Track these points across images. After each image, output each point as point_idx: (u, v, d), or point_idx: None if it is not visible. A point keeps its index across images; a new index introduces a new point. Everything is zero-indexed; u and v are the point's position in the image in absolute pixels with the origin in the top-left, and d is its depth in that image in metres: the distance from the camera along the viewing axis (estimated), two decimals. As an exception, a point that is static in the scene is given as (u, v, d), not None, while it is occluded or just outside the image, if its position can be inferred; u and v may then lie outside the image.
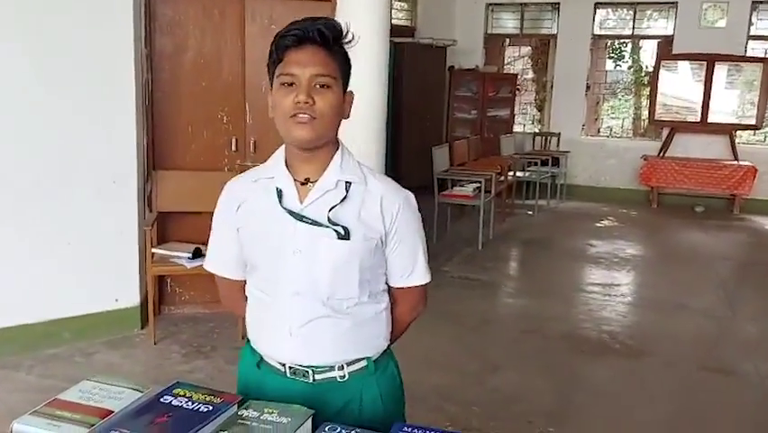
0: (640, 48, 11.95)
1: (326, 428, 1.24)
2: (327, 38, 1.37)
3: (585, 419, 3.18)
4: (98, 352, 3.63)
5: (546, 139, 9.38)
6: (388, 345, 1.57)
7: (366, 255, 1.43)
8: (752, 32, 8.63)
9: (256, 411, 1.25)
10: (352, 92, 1.45)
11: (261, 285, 1.50)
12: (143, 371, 3.48)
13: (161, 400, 1.28)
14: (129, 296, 3.85)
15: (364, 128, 4.07)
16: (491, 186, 6.29)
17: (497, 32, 9.90)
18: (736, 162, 8.49)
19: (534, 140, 9.58)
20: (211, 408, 1.26)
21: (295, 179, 1.43)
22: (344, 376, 1.47)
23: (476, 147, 7.77)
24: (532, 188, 8.10)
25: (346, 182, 1.42)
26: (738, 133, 8.85)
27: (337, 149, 1.46)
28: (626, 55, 12.33)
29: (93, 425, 1.19)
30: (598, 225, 7.66)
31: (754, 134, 9.32)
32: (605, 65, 10.75)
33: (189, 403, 1.27)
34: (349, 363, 1.47)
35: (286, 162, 1.45)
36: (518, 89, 10.17)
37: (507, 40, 10.58)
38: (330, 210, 1.39)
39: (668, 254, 6.65)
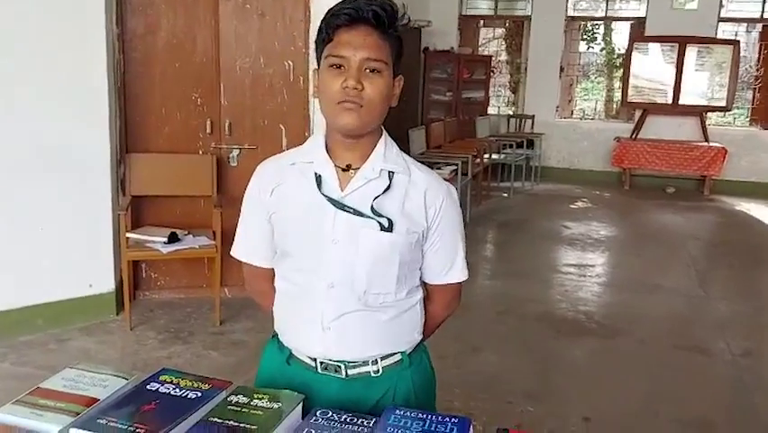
0: (612, 30, 12.03)
1: (318, 413, 1.23)
2: (382, 19, 1.28)
3: (563, 398, 3.22)
4: (73, 338, 3.57)
5: (521, 121, 9.41)
6: (422, 340, 1.51)
7: (407, 249, 1.36)
8: (722, 15, 8.73)
9: (246, 397, 1.23)
10: (401, 77, 1.37)
11: (294, 275, 1.42)
12: (120, 357, 3.43)
13: (148, 387, 1.25)
14: (103, 281, 3.79)
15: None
16: (468, 168, 6.30)
17: (471, 13, 9.86)
18: (706, 144, 8.61)
19: (508, 122, 9.61)
20: (200, 394, 1.23)
21: (336, 165, 1.36)
22: (378, 371, 1.41)
23: (452, 129, 7.77)
24: (507, 171, 8.13)
25: (389, 172, 1.36)
26: (708, 114, 8.98)
27: (380, 137, 1.39)
28: (599, 37, 12.41)
29: (78, 413, 1.16)
30: (573, 206, 7.73)
31: (724, 116, 9.46)
32: (578, 47, 10.80)
33: (177, 390, 1.24)
34: (383, 358, 1.42)
35: (326, 147, 1.38)
36: (493, 71, 10.17)
37: (482, 21, 10.56)
38: (374, 200, 1.33)
39: (641, 235, 6.74)
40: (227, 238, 3.75)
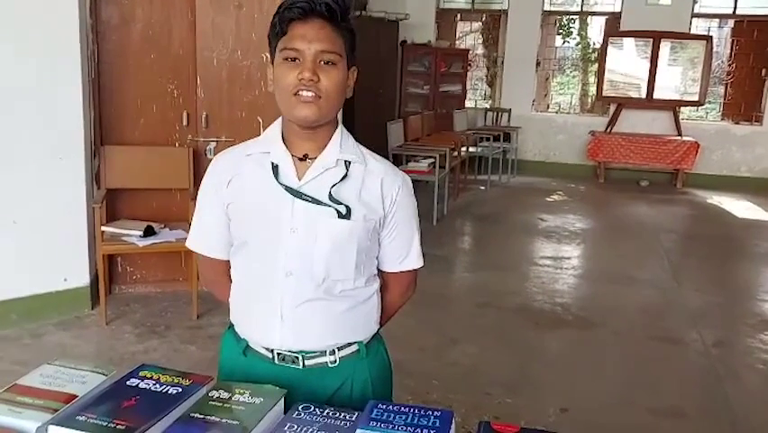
0: (588, 24, 12.12)
1: (300, 408, 1.23)
2: (335, 12, 1.30)
3: (540, 389, 3.25)
4: (48, 333, 3.52)
5: (497, 115, 9.45)
6: (378, 329, 1.53)
7: (364, 236, 1.39)
8: (696, 10, 8.84)
9: (227, 392, 1.22)
10: (356, 68, 1.39)
11: (251, 265, 1.43)
12: (96, 352, 3.39)
13: (128, 383, 1.24)
14: (78, 275, 3.74)
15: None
16: (446, 161, 6.32)
17: (448, 6, 9.87)
18: (679, 138, 8.73)
19: (485, 115, 9.65)
20: (180, 390, 1.22)
21: (292, 156, 1.38)
22: (335, 361, 1.42)
23: (430, 122, 7.78)
24: (484, 164, 8.17)
25: (346, 161, 1.38)
26: (681, 108, 9.10)
27: (336, 127, 1.41)
28: (574, 31, 12.49)
29: (56, 410, 1.15)
30: (549, 199, 7.79)
31: (697, 110, 9.60)
32: (554, 41, 10.86)
33: (157, 386, 1.23)
34: (340, 348, 1.43)
35: (282, 138, 1.39)
36: (470, 65, 10.19)
37: (459, 15, 10.57)
38: (331, 188, 1.35)
39: (615, 228, 6.82)
40: (204, 232, 3.75)
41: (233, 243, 1.46)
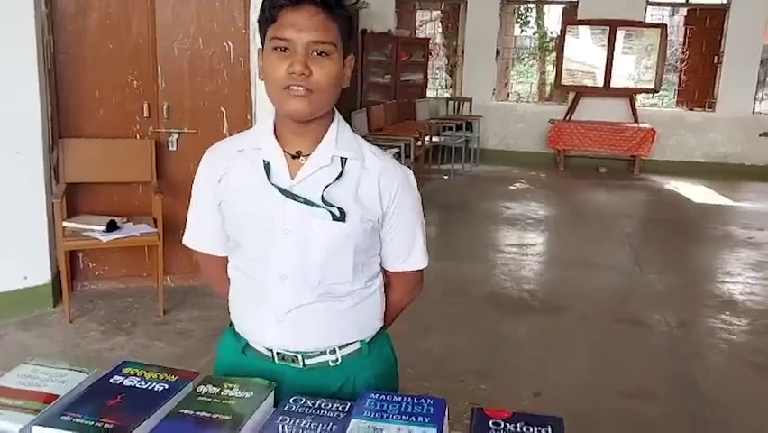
0: (545, 13, 12.25)
1: (291, 400, 1.21)
2: None
3: (513, 375, 3.28)
4: (9, 333, 3.40)
5: (459, 104, 9.49)
6: (383, 328, 1.47)
7: (362, 238, 1.32)
8: (650, -1, 9.01)
9: (215, 387, 1.20)
10: (353, 56, 1.31)
11: (245, 265, 1.37)
12: (61, 350, 3.29)
13: (111, 380, 1.20)
14: (39, 273, 3.62)
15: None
16: (411, 151, 6.32)
17: (408, -5, 9.85)
18: (636, 125, 8.90)
19: (447, 105, 9.68)
20: (167, 386, 1.19)
21: (285, 152, 1.30)
22: (337, 360, 1.37)
23: (392, 112, 7.77)
24: (447, 153, 8.20)
25: (341, 158, 1.30)
26: (638, 96, 9.27)
27: (332, 120, 1.32)
28: (532, 20, 12.62)
29: (38, 411, 1.10)
30: (511, 187, 7.87)
31: (652, 97, 9.79)
32: (513, 30, 10.95)
33: (142, 382, 1.20)
34: (341, 347, 1.38)
35: (275, 132, 1.32)
36: (431, 54, 10.20)
37: (418, 3, 10.56)
38: (324, 189, 1.27)
39: (577, 214, 6.93)
40: (169, 225, 3.68)
41: (229, 239, 1.40)
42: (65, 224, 3.52)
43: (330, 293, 1.34)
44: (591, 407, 2.97)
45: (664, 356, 3.60)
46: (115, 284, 4.05)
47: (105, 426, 1.05)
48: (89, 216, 3.73)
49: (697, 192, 7.89)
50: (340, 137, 1.32)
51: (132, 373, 1.23)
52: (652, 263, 5.22)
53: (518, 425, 1.17)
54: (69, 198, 3.76)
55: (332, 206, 1.27)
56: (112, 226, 3.60)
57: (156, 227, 3.64)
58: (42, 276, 3.64)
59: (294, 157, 1.30)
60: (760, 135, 8.82)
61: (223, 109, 4.04)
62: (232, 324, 1.46)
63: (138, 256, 4.04)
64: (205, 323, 3.62)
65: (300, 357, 1.36)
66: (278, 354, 1.36)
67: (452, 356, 3.43)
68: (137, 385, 1.19)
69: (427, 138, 7.48)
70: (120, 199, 3.95)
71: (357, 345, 1.40)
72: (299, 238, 1.29)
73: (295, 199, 1.27)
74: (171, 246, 3.73)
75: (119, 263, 4.07)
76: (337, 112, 1.35)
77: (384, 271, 1.44)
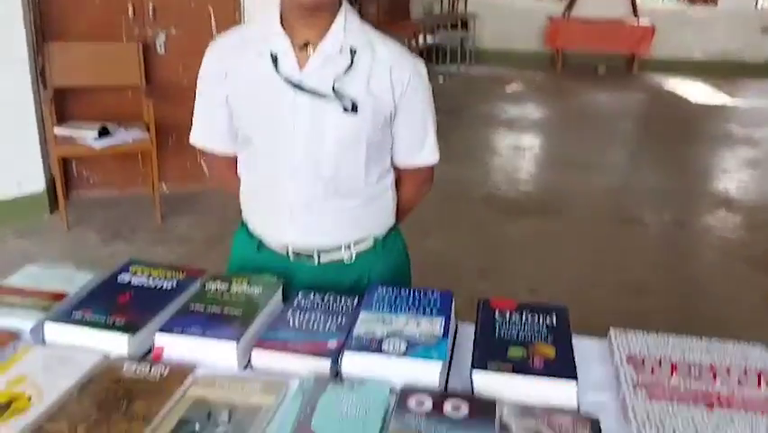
0: None
1: (299, 295, 1.21)
2: None
3: (510, 274, 3.33)
4: (7, 241, 3.40)
5: (454, 0, 9.16)
6: (395, 224, 1.47)
7: (374, 132, 1.28)
8: None
9: (224, 283, 1.20)
10: None
11: (257, 162, 1.34)
12: (60, 257, 3.30)
13: (119, 279, 1.20)
14: (33, 180, 3.59)
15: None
16: (405, 52, 6.15)
17: None
18: (635, 22, 8.65)
19: (441, 2, 9.34)
20: (175, 283, 1.19)
21: (293, 42, 1.24)
22: (351, 257, 1.37)
23: (385, 8, 7.50)
24: (441, 54, 7.99)
25: (351, 49, 1.24)
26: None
27: (340, 8, 1.26)
28: None
29: (47, 309, 1.11)
30: (508, 89, 7.73)
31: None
32: None
33: (150, 280, 1.20)
34: (356, 243, 1.37)
35: (281, 22, 1.26)
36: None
37: None
38: (335, 80, 1.23)
39: (574, 115, 6.84)
40: (161, 131, 3.62)
41: (238, 135, 1.36)
42: (56, 130, 3.46)
43: (343, 189, 1.32)
44: (586, 302, 3.02)
45: (660, 254, 3.65)
46: (111, 192, 4.02)
47: (116, 322, 1.05)
48: (80, 123, 3.65)
49: (696, 91, 7.78)
50: (348, 26, 1.26)
51: (138, 271, 1.22)
52: (649, 163, 5.21)
53: (524, 314, 1.18)
54: (58, 104, 3.66)
55: (343, 97, 1.23)
56: (103, 132, 3.54)
57: (148, 133, 3.58)
58: (37, 184, 3.61)
59: (302, 48, 1.25)
60: (762, 32, 8.61)
61: (210, 8, 3.89)
62: (243, 224, 1.44)
63: (132, 163, 3.99)
64: (203, 228, 3.62)
65: (315, 254, 1.35)
66: (293, 251, 1.35)
67: (450, 257, 3.47)
68: (145, 283, 1.19)
69: (422, 38, 7.27)
70: (110, 105, 3.85)
71: (370, 242, 1.40)
72: (311, 132, 1.26)
73: (304, 91, 1.23)
74: (165, 152, 3.69)
75: (113, 171, 4.02)
76: (345, 1, 1.29)
77: (395, 169, 1.42)
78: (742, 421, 0.93)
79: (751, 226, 3.98)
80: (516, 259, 3.51)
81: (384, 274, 1.41)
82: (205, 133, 1.40)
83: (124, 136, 3.60)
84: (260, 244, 1.39)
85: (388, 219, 1.44)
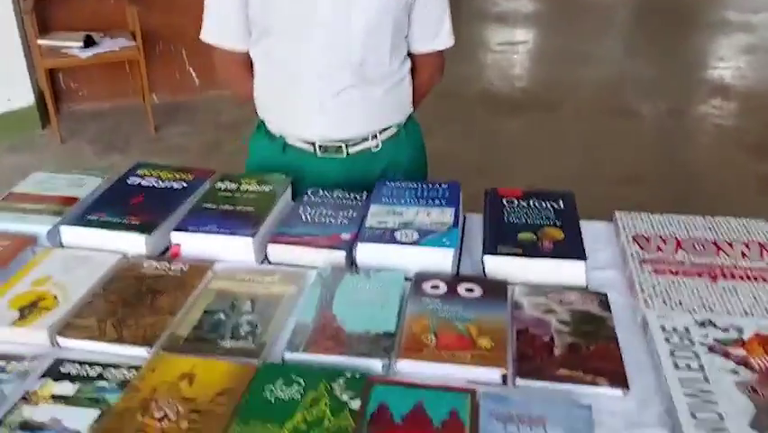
0: None
1: (309, 192, 1.22)
2: None
3: (509, 170, 3.33)
4: (1, 157, 3.37)
5: None
6: (413, 111, 1.47)
7: (399, 13, 1.28)
8: None
9: (234, 183, 1.20)
10: None
11: (277, 55, 1.30)
12: (57, 171, 3.28)
13: (128, 181, 1.20)
14: (22, 94, 3.52)
15: None
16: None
17: None
18: None
19: None
20: (185, 184, 1.20)
21: None
22: (378, 145, 1.38)
23: None
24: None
25: None
26: None
27: None
28: None
29: (59, 213, 1.12)
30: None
31: None
32: None
33: (160, 182, 1.20)
34: (381, 131, 1.38)
35: None
36: None
37: None
38: None
39: (567, 7, 6.63)
40: (148, 40, 3.52)
41: (251, 31, 1.31)
42: (40, 41, 3.36)
43: (369, 77, 1.31)
44: (582, 194, 3.04)
45: (655, 144, 3.65)
46: (101, 104, 3.95)
47: (131, 223, 1.07)
48: (63, 33, 3.54)
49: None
50: None
51: (147, 173, 1.23)
52: (645, 53, 5.12)
53: (531, 201, 1.20)
54: (40, 14, 3.54)
55: None
56: (89, 42, 3.44)
57: (135, 41, 3.48)
58: (25, 98, 3.54)
59: None
60: None
61: None
62: (260, 124, 1.42)
63: (120, 73, 3.90)
64: (198, 137, 3.60)
65: (344, 146, 1.35)
66: (320, 147, 1.35)
67: (449, 157, 3.45)
68: (155, 185, 1.19)
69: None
70: (93, 12, 3.71)
71: (394, 129, 1.41)
72: (337, 15, 1.23)
73: None
74: (153, 62, 3.60)
75: (101, 82, 3.93)
76: None
77: (410, 55, 1.42)
78: (745, 290, 0.97)
79: (746, 112, 3.97)
80: (515, 156, 3.51)
81: (406, 162, 1.44)
82: (218, 28, 1.35)
83: (111, 45, 3.51)
84: (285, 145, 1.38)
85: (408, 107, 1.45)
